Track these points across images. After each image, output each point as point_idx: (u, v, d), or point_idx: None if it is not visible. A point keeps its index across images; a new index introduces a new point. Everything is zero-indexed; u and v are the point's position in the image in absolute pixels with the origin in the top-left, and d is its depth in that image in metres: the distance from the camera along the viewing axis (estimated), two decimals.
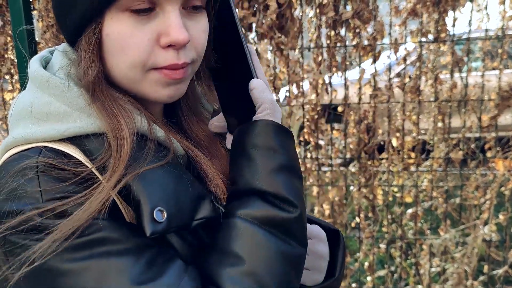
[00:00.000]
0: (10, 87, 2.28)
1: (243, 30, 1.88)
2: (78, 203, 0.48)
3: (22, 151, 0.52)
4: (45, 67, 0.58)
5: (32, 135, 0.52)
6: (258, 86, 0.60)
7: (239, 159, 0.58)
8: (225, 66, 0.63)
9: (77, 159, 0.52)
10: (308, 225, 0.68)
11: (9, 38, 2.23)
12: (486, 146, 2.01)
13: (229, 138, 0.64)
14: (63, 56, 0.58)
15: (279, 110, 0.61)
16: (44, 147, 0.52)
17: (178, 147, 0.59)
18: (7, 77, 2.25)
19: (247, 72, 0.61)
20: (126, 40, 0.52)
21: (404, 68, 1.96)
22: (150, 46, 0.53)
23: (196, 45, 0.57)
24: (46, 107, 0.53)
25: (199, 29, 0.57)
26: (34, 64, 0.57)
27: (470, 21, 1.87)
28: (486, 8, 1.87)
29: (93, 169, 0.51)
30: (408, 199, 2.06)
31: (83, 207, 0.48)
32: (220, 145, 0.67)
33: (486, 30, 1.89)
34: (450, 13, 1.84)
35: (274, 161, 0.56)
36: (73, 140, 0.53)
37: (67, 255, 0.47)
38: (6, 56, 2.23)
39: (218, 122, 0.66)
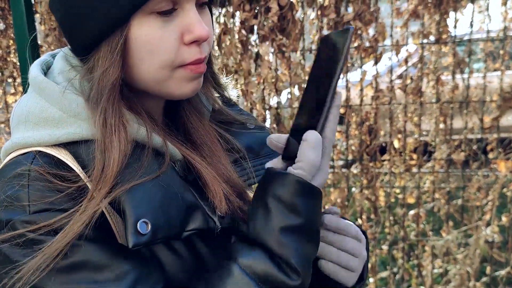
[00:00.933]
0: (12, 90, 2.29)
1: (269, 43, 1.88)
2: (64, 223, 0.49)
3: (19, 155, 0.53)
4: (46, 71, 0.59)
5: (29, 140, 0.53)
6: (311, 142, 0.53)
7: (257, 204, 0.54)
8: (307, 98, 0.59)
9: (69, 166, 0.52)
10: (339, 219, 0.63)
11: (11, 41, 2.24)
12: (488, 147, 2.01)
13: (277, 162, 0.58)
14: (64, 61, 0.58)
15: (321, 174, 0.55)
16: (39, 152, 0.52)
17: (175, 152, 0.58)
18: (9, 80, 2.26)
19: (316, 117, 0.55)
20: (155, 42, 0.53)
21: (405, 70, 1.96)
22: (177, 45, 0.54)
23: (209, 40, 0.58)
24: (43, 112, 0.54)
25: (209, 24, 0.58)
26: (33, 69, 0.57)
27: (471, 22, 1.87)
28: (487, 9, 1.86)
29: (87, 183, 0.51)
30: (411, 200, 2.06)
31: (66, 229, 0.48)
32: (221, 147, 0.66)
33: (488, 32, 1.89)
34: (452, 14, 1.85)
35: (289, 220, 0.52)
36: (67, 146, 0.53)
37: (51, 275, 0.47)
38: (8, 59, 2.24)
39: (277, 142, 0.58)
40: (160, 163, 0.55)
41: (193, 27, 0.54)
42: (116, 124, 0.53)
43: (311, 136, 0.53)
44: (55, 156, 0.52)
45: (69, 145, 0.53)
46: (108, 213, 0.52)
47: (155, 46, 0.53)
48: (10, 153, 0.55)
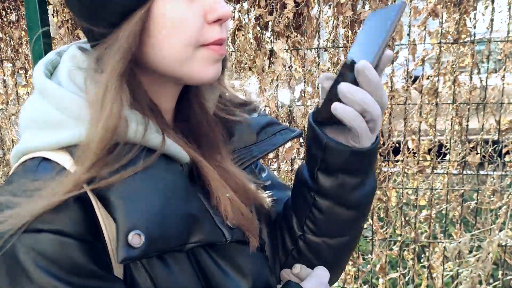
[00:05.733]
0: (24, 82, 2.28)
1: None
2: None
3: (27, 160, 0.52)
4: (52, 71, 0.57)
5: (33, 144, 0.52)
6: (322, 275, 0.67)
7: None
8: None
9: (68, 171, 0.49)
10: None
11: (23, 33, 2.23)
12: (504, 150, 1.98)
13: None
14: (70, 61, 0.56)
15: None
16: (44, 158, 0.50)
17: (182, 154, 0.56)
18: (21, 71, 2.25)
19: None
20: (181, 19, 0.52)
21: (414, 69, 1.92)
22: (201, 22, 0.54)
23: (227, 23, 0.58)
24: (45, 115, 0.51)
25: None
26: (37, 70, 0.55)
27: (491, 22, 1.83)
28: (509, 9, 1.82)
29: (88, 191, 0.48)
30: (423, 202, 2.03)
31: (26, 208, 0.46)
32: (224, 141, 0.64)
33: (508, 32, 1.85)
34: (471, 14, 1.80)
35: None
36: (70, 149, 0.50)
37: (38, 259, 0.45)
38: (20, 50, 2.23)
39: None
40: (159, 162, 0.52)
41: (216, 5, 0.54)
42: (112, 97, 0.50)
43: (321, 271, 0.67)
44: (56, 162, 0.50)
45: (71, 148, 0.50)
46: (102, 216, 0.49)
47: (181, 23, 0.52)
48: (20, 158, 0.54)
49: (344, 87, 0.56)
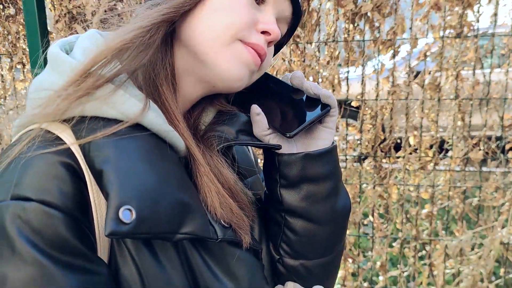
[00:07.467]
0: (22, 77, 2.26)
1: None
2: None
3: (29, 131, 0.51)
4: (69, 52, 0.56)
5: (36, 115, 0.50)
6: None
7: None
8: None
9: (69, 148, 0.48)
10: None
11: (21, 27, 2.20)
12: (507, 146, 1.94)
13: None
14: (88, 39, 0.56)
15: None
16: (45, 130, 0.49)
17: (181, 146, 0.54)
18: (18, 66, 2.23)
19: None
20: (236, 6, 0.56)
21: (424, 64, 1.89)
22: (251, 20, 0.57)
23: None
24: (52, 86, 0.50)
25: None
26: (53, 45, 0.55)
27: (495, 16, 1.80)
28: None
29: (77, 157, 0.47)
30: (425, 196, 2.01)
31: None
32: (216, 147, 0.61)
33: None
34: (474, 7, 1.77)
35: None
36: (73, 124, 0.49)
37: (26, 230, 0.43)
38: (18, 45, 2.20)
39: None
40: (160, 147, 0.51)
41: (270, 20, 0.59)
42: (137, 47, 0.51)
43: None
44: (54, 134, 0.49)
45: (74, 123, 0.49)
46: (93, 193, 0.47)
47: (236, 5, 0.55)
48: (23, 128, 0.53)
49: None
